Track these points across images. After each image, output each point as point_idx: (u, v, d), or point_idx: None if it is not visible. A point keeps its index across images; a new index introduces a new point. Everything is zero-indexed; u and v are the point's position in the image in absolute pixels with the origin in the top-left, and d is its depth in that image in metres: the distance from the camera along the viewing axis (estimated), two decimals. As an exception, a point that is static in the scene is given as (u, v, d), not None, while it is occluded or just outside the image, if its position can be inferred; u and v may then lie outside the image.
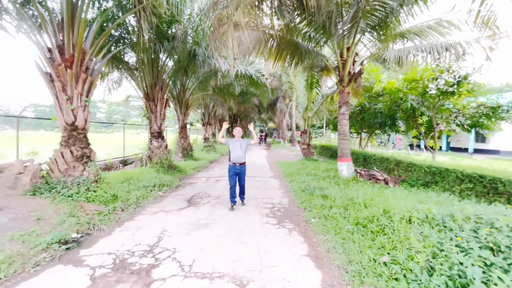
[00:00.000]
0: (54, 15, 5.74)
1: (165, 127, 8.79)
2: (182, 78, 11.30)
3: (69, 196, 4.71)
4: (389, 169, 7.70)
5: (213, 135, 20.86)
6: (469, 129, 8.30)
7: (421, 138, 10.03)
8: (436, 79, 6.79)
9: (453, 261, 2.33)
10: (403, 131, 10.13)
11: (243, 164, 5.01)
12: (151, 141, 8.56)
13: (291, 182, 7.40)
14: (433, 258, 2.55)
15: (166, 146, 8.80)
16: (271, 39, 7.33)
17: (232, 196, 5.04)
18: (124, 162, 10.33)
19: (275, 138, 47.47)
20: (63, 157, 5.10)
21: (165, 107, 8.74)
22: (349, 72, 7.09)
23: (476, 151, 19.11)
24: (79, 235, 3.75)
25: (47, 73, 5.02)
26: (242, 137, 5.72)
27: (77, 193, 4.83)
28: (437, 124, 8.02)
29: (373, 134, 12.75)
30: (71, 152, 5.14)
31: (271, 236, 3.69)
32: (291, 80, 12.92)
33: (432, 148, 7.96)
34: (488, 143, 18.89)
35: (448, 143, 22.07)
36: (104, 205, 4.84)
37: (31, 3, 5.01)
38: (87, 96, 5.40)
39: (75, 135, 5.24)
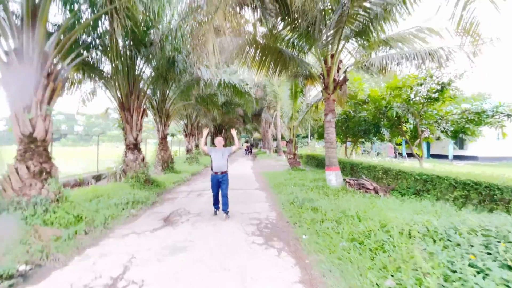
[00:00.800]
0: (14, 15, 5.19)
1: (141, 139, 8.17)
2: (162, 87, 10.78)
3: (22, 219, 4.01)
4: (378, 178, 7.52)
5: (196, 146, 20.21)
6: (453, 135, 8.37)
7: (406, 145, 10.05)
8: (421, 84, 6.79)
9: (472, 286, 1.99)
10: (388, 139, 10.12)
11: (225, 173, 5.00)
12: (126, 153, 7.90)
13: (278, 194, 6.99)
14: (446, 281, 2.20)
15: (143, 158, 8.16)
16: (254, 46, 7.09)
17: (215, 203, 5.19)
18: (98, 177, 9.49)
19: (261, 149, 47.27)
20: (17, 173, 4.42)
21: (142, 117, 8.16)
22: (334, 80, 6.95)
23: (456, 157, 19.75)
24: (27, 267, 3.09)
25: (0, 79, 4.40)
26: (225, 146, 5.60)
27: (32, 215, 4.14)
28: (422, 131, 8.01)
29: (358, 143, 12.72)
30: (28, 167, 4.47)
31: (258, 259, 3.23)
32: (275, 90, 12.78)
33: (418, 155, 7.90)
34: (467, 150, 19.60)
35: (428, 150, 22.73)
36: (64, 228, 4.17)
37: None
38: (48, 104, 4.79)
39: (33, 148, 4.59)
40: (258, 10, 6.20)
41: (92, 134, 13.34)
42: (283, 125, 21.61)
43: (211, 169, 5.01)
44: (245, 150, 31.05)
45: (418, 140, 8.32)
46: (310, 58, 9.77)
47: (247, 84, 11.51)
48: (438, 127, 7.96)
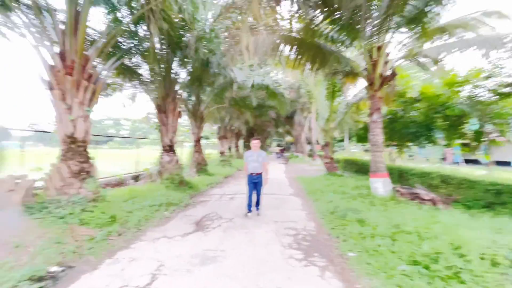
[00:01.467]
0: (58, 21, 5.53)
1: (176, 141, 8.24)
2: (197, 90, 10.91)
3: (60, 218, 4.10)
4: (433, 187, 6.51)
5: (229, 149, 20.31)
6: (529, 138, 6.95)
7: (462, 150, 8.68)
8: (489, 78, 5.71)
9: None
10: (443, 143, 8.85)
11: (259, 174, 5.18)
12: (162, 155, 8.02)
13: (315, 202, 6.41)
14: None
15: (178, 160, 8.21)
16: (290, 42, 6.66)
17: (249, 204, 5.34)
18: (136, 178, 9.85)
19: (293, 153, 46.26)
20: (60, 172, 4.58)
21: (177, 119, 8.23)
22: (381, 75, 6.19)
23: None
24: (60, 269, 3.05)
25: (47, 81, 4.64)
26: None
27: (70, 214, 4.21)
28: (489, 133, 6.77)
29: (404, 147, 11.44)
30: (69, 167, 4.61)
31: (297, 279, 2.77)
32: (310, 90, 12.15)
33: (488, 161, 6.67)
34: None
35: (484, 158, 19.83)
36: (99, 228, 4.17)
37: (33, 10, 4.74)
38: (89, 106, 4.94)
39: (74, 148, 4.74)
40: (295, 3, 5.79)
41: (135, 138, 14.09)
42: (317, 128, 20.70)
43: (247, 170, 5.23)
44: (277, 153, 30.51)
45: (483, 143, 7.08)
46: (349, 55, 9.03)
47: (280, 85, 11.10)
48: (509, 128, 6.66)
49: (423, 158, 19.43)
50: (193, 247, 3.62)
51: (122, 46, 6.85)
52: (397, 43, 6.27)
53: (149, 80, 7.78)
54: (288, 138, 53.90)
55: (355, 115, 10.43)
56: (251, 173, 5.13)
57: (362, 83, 8.61)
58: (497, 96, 5.96)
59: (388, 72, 6.32)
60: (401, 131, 9.47)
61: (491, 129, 6.96)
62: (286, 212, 5.51)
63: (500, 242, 2.78)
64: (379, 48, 6.28)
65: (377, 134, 6.21)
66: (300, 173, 13.43)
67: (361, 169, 11.49)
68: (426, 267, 2.68)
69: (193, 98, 11.17)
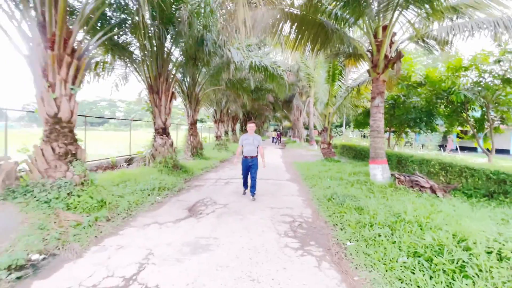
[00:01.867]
0: None
1: (170, 123, 7.94)
2: (192, 71, 10.44)
3: (45, 202, 3.90)
4: (432, 174, 6.40)
5: (226, 133, 20.03)
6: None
7: (457, 138, 8.50)
8: (499, 61, 5.42)
9: None
10: (443, 130, 8.67)
11: (254, 157, 5.20)
12: (155, 138, 7.74)
13: (312, 188, 6.28)
14: None
15: (172, 143, 7.95)
16: (290, 19, 6.23)
17: (245, 183, 5.49)
18: (129, 161, 9.63)
19: (290, 137, 46.14)
20: (43, 155, 4.31)
21: (170, 101, 7.88)
22: (386, 56, 5.85)
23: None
24: (41, 257, 2.87)
25: (26, 56, 4.25)
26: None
27: (56, 199, 4.01)
28: (493, 120, 6.59)
29: (403, 133, 11.27)
30: (53, 149, 4.34)
31: (293, 270, 2.63)
32: (310, 73, 11.74)
33: (488, 149, 6.54)
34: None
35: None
36: (86, 213, 3.99)
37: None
38: (73, 84, 4.59)
39: (58, 129, 4.43)
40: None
41: (128, 120, 13.68)
42: (316, 113, 20.40)
43: (242, 153, 5.28)
44: (273, 138, 30.29)
45: (487, 130, 6.91)
46: (352, 35, 8.58)
47: (279, 67, 10.66)
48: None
49: (420, 145, 19.40)
50: (184, 234, 3.46)
51: (110, 20, 6.37)
52: (403, 23, 5.87)
53: (140, 59, 7.31)
54: (286, 123, 53.59)
55: (355, 100, 10.13)
56: (246, 156, 5.19)
57: (364, 66, 8.25)
58: (503, 83, 5.69)
59: (393, 54, 5.98)
60: (401, 117, 9.25)
61: (494, 117, 6.77)
62: (283, 198, 5.37)
63: (507, 234, 2.64)
64: (384, 28, 5.90)
65: (379, 119, 5.98)
66: (297, 158, 13.31)
67: (358, 155, 11.38)
68: (428, 260, 2.55)
69: (188, 79, 10.71)
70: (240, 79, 13.82)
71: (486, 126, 7.05)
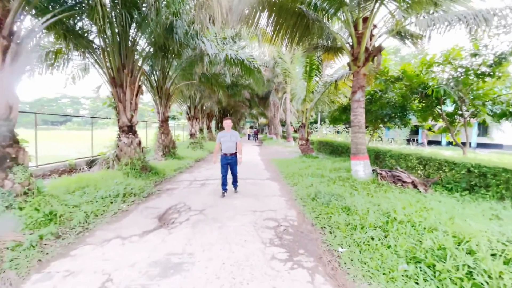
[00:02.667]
0: None
1: (137, 120, 7.15)
2: (162, 63, 9.63)
3: (-28, 220, 3.11)
4: (410, 168, 6.45)
5: (201, 130, 19.22)
6: (497, 120, 7.13)
7: (443, 130, 8.75)
8: (475, 55, 5.51)
9: None
10: (415, 124, 8.88)
11: (233, 155, 5.16)
12: (119, 137, 6.92)
13: (294, 186, 5.99)
14: None
15: (140, 142, 7.18)
16: (268, 7, 5.82)
17: (224, 184, 5.22)
18: (91, 163, 8.61)
19: (267, 134, 46.15)
20: (-30, 160, 3.47)
21: (137, 95, 7.09)
22: (366, 49, 5.70)
23: (479, 145, 18.36)
24: (-43, 296, 2.18)
25: None
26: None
27: (-13, 214, 3.23)
28: (465, 115, 6.79)
29: (377, 128, 11.49)
30: (-16, 152, 3.51)
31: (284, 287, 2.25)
32: (287, 68, 11.47)
33: (463, 144, 6.74)
34: (490, 137, 18.19)
35: (445, 139, 21.31)
36: (30, 230, 3.26)
37: None
38: (11, 73, 3.75)
39: (-9, 129, 3.60)
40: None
41: (91, 117, 12.38)
42: (292, 109, 20.36)
43: (220, 150, 5.17)
44: (249, 135, 29.90)
45: (460, 124, 7.14)
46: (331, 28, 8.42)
47: (256, 61, 10.24)
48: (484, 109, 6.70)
49: (389, 139, 20.24)
50: (153, 251, 2.92)
51: (61, 1, 5.46)
52: (383, 15, 5.75)
53: (99, 47, 6.42)
54: (262, 120, 53.54)
55: (332, 96, 10.07)
56: (225, 154, 5.09)
57: (341, 61, 8.14)
58: (476, 77, 5.83)
59: (373, 47, 5.84)
60: (377, 112, 9.34)
61: (465, 111, 6.99)
62: (264, 200, 4.99)
63: (509, 234, 2.50)
64: (365, 20, 5.74)
65: (359, 114, 5.83)
66: (275, 155, 13.06)
67: (336, 150, 11.40)
68: (431, 266, 2.31)
69: (158, 72, 9.87)
70: (215, 74, 13.17)
71: (458, 120, 7.26)
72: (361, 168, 5.77)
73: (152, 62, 9.48)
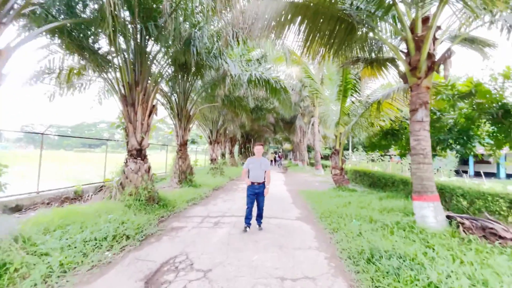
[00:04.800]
0: None
1: (148, 143, 6.31)
2: (183, 84, 9.08)
3: None
4: (492, 213, 4.70)
5: (222, 155, 18.39)
6: None
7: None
8: None
9: None
10: (488, 153, 7.03)
11: (262, 184, 4.67)
12: (126, 162, 6.07)
13: (335, 233, 4.50)
14: None
15: (149, 169, 6.26)
16: (301, 12, 4.89)
17: (247, 218, 4.65)
18: (101, 189, 7.86)
19: (291, 160, 44.43)
20: None
21: (150, 116, 6.34)
22: (429, 55, 4.40)
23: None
24: None
25: None
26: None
27: None
28: None
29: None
30: None
31: None
32: (317, 88, 10.41)
33: None
34: None
35: (504, 169, 18.17)
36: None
37: None
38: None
39: None
40: None
41: (104, 139, 12.06)
42: (317, 135, 18.90)
43: (245, 177, 4.75)
44: (271, 160, 28.36)
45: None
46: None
47: (282, 81, 9.34)
48: None
49: (435, 170, 17.63)
50: None
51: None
52: (446, 15, 4.48)
53: (108, 59, 5.84)
54: (286, 146, 52.22)
55: (373, 118, 8.64)
56: (252, 182, 4.61)
57: (386, 77, 6.84)
58: None
59: (437, 52, 4.53)
60: (432, 138, 7.67)
61: None
62: (295, 255, 3.58)
63: None
64: (425, 21, 4.53)
65: (423, 138, 4.38)
66: (303, 185, 11.53)
67: (377, 183, 9.64)
68: None
69: (178, 93, 9.29)
70: (239, 97, 12.52)
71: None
72: (431, 212, 4.16)
73: (172, 82, 8.96)
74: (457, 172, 18.50)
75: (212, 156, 14.20)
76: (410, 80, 4.61)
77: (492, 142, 6.71)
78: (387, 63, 6.08)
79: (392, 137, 9.93)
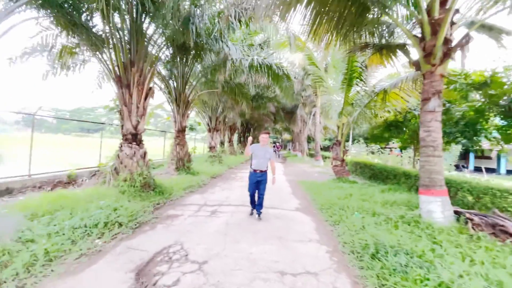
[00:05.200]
0: None
1: (143, 128, 6.05)
2: (181, 67, 8.72)
3: None
4: (502, 210, 4.53)
5: (222, 143, 18.15)
6: None
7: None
8: None
9: None
10: (495, 148, 6.82)
11: (264, 172, 4.63)
12: (121, 146, 5.83)
13: (336, 225, 4.34)
14: None
15: (145, 154, 6.03)
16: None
17: (252, 202, 4.76)
18: (95, 174, 7.66)
19: (290, 151, 44.30)
20: None
21: (146, 99, 6.04)
22: (446, 41, 4.09)
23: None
24: None
25: None
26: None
27: None
28: None
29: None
30: None
31: None
32: (321, 75, 10.02)
33: None
34: None
35: (505, 165, 18.08)
36: None
37: None
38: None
39: None
40: None
41: (101, 123, 11.82)
42: (319, 125, 18.61)
43: (250, 166, 4.70)
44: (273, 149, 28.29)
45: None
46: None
47: (285, 67, 8.99)
48: None
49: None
50: None
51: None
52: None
53: (103, 38, 5.47)
54: (286, 136, 51.98)
55: (379, 108, 8.36)
56: (255, 170, 4.59)
57: (395, 65, 6.50)
58: None
59: (454, 37, 4.22)
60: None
61: None
62: (296, 248, 3.41)
63: None
64: (442, 3, 4.19)
65: (434, 130, 4.14)
66: (302, 176, 11.38)
67: (378, 175, 9.47)
68: None
69: (177, 77, 8.94)
70: (239, 84, 12.13)
71: None
72: (438, 207, 3.98)
73: (170, 66, 8.59)
74: (456, 167, 18.40)
75: (211, 144, 13.97)
76: (423, 67, 4.32)
77: (499, 136, 6.51)
78: (397, 49, 5.74)
79: (395, 129, 9.70)
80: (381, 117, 9.35)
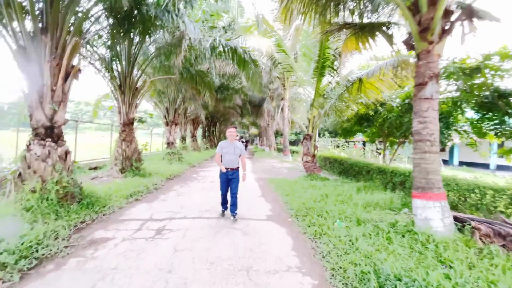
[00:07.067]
0: None
1: (63, 119, 4.50)
2: (127, 45, 7.12)
3: None
4: (487, 210, 4.13)
5: (183, 139, 16.54)
6: None
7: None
8: None
9: None
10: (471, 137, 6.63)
11: (236, 170, 4.37)
12: (29, 145, 4.23)
13: (316, 239, 3.47)
14: None
15: (66, 154, 4.50)
16: None
17: (224, 203, 4.55)
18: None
19: (257, 145, 43.75)
20: None
21: (66, 80, 4.48)
22: (447, 12, 3.41)
23: (499, 167, 16.45)
24: None
25: None
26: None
27: None
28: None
29: (398, 144, 9.25)
30: None
31: None
32: (290, 63, 9.16)
33: None
34: None
35: (451, 156, 19.53)
36: None
37: None
38: None
39: None
40: None
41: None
42: (287, 119, 18.03)
43: (219, 162, 4.38)
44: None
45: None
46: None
47: (252, 51, 7.94)
48: None
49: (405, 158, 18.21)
50: None
51: None
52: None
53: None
54: (253, 131, 51.26)
55: (352, 100, 7.79)
56: (226, 168, 4.33)
57: (374, 49, 5.88)
58: None
59: (454, 8, 3.56)
60: (406, 124, 7.13)
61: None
62: (269, 285, 2.42)
63: None
64: (439, -31, 3.49)
65: (431, 121, 3.47)
66: (271, 173, 10.52)
67: (349, 170, 9.03)
68: None
69: (122, 58, 7.30)
70: (201, 71, 10.76)
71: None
72: (437, 214, 3.32)
73: (112, 43, 6.93)
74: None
75: (169, 139, 12.38)
76: (418, 45, 3.60)
77: (469, 130, 6.32)
78: (378, 32, 5.04)
79: (366, 123, 9.35)
80: (351, 110, 8.87)
